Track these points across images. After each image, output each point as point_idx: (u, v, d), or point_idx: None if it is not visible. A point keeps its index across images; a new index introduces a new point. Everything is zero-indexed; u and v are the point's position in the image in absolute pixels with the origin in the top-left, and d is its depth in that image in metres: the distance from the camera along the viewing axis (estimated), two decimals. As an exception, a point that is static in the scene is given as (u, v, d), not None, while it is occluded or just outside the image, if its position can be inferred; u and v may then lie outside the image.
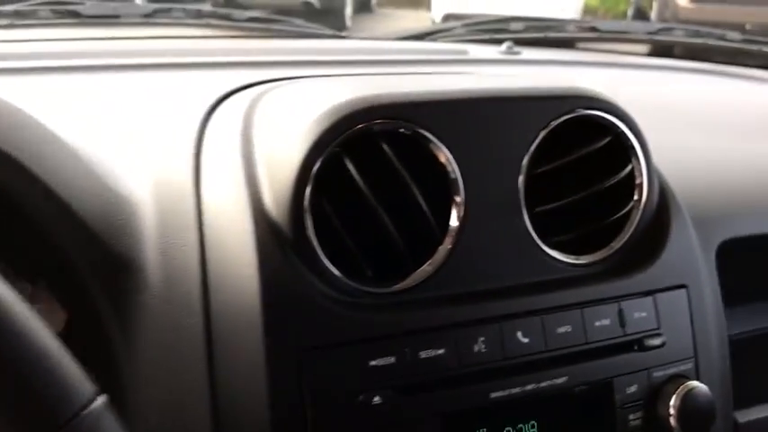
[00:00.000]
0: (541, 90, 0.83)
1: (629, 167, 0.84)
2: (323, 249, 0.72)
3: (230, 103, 0.90)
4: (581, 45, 2.00)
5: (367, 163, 0.73)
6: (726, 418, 0.94)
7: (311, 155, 0.71)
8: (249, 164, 0.76)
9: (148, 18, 1.68)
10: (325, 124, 0.72)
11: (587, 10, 9.96)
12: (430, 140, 0.75)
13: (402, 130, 0.74)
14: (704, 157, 1.15)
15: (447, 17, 9.27)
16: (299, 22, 1.83)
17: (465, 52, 1.68)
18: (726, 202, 1.06)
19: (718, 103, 1.50)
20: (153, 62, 1.19)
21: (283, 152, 0.73)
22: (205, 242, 0.75)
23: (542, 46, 1.87)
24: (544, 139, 0.81)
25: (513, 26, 1.87)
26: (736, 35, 1.85)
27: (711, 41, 1.84)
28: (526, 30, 1.86)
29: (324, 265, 0.72)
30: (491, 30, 1.87)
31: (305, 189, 0.71)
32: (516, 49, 1.71)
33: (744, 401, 1.00)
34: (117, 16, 1.64)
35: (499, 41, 1.74)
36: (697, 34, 1.87)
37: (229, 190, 0.75)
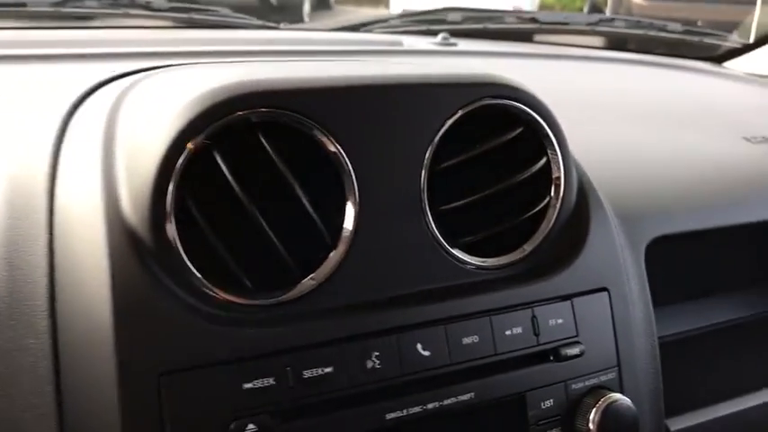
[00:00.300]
0: (446, 77, 0.75)
1: (544, 160, 0.77)
2: (192, 257, 0.63)
3: (99, 95, 0.80)
4: (538, 38, 1.95)
5: (243, 159, 0.65)
6: (657, 427, 0.88)
7: (174, 147, 0.62)
8: (108, 160, 0.66)
9: (59, 7, 1.56)
10: (192, 113, 0.63)
11: (544, 6, 9.99)
12: (316, 132, 0.66)
13: (283, 119, 0.65)
14: (634, 152, 1.09)
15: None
16: (225, 11, 1.73)
17: (399, 43, 1.61)
18: (655, 199, 1.00)
19: (655, 94, 1.45)
20: (26, 53, 1.08)
21: (145, 146, 0.64)
22: (55, 250, 0.65)
23: (481, 38, 1.81)
24: (449, 130, 0.73)
25: (451, 17, 1.81)
26: (677, 26, 1.81)
27: (652, 33, 1.80)
28: (464, 21, 1.80)
29: (190, 274, 0.63)
30: (428, 21, 1.80)
31: (167, 187, 0.62)
32: (453, 40, 1.64)
33: (676, 407, 0.95)
34: (23, 4, 1.52)
35: (436, 33, 1.67)
36: (638, 25, 1.83)
37: (85, 190, 0.66)
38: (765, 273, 1.24)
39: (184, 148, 0.62)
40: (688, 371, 1.07)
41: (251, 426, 0.61)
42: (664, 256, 0.94)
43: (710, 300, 1.20)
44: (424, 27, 1.78)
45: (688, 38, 1.80)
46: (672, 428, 0.93)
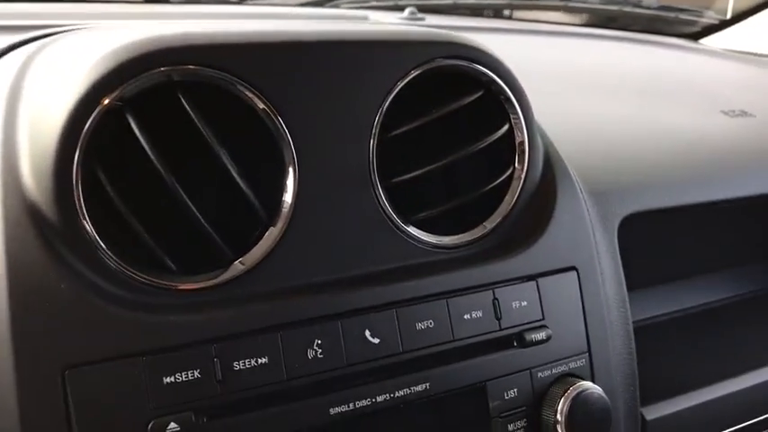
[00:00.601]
0: (397, 34, 0.68)
1: (506, 127, 0.70)
2: (105, 236, 0.56)
3: (2, 62, 0.71)
4: (510, 14, 1.88)
5: (162, 125, 0.57)
6: (632, 416, 0.82)
7: (81, 108, 0.54)
8: (9, 129, 0.58)
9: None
10: (102, 69, 0.55)
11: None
12: (242, 89, 0.59)
13: (207, 77, 0.58)
14: (605, 127, 1.03)
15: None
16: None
17: (365, 18, 1.54)
18: (628, 174, 0.93)
19: (630, 69, 1.38)
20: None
21: (50, 109, 0.56)
22: None
23: (451, 13, 1.73)
24: (401, 94, 0.66)
25: (420, -9, 1.73)
26: (652, 2, 1.75)
27: (627, 8, 1.74)
28: (433, -6, 1.72)
29: (100, 252, 0.55)
30: (396, -6, 1.72)
31: (72, 153, 0.54)
32: (420, 15, 1.57)
33: (651, 395, 0.89)
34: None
35: (403, 8, 1.60)
36: (613, 1, 1.76)
37: None
38: (743, 254, 1.19)
39: (93, 108, 0.54)
40: (663, 357, 1.01)
41: (172, 425, 0.54)
42: (637, 236, 0.88)
43: (686, 283, 1.15)
44: (391, 2, 1.71)
45: (663, 14, 1.75)
46: (648, 417, 0.87)
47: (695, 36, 1.72)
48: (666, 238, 1.04)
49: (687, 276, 1.15)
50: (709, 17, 1.76)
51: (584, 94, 1.17)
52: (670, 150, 1.01)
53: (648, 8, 1.72)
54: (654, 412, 0.88)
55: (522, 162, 0.70)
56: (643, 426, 0.85)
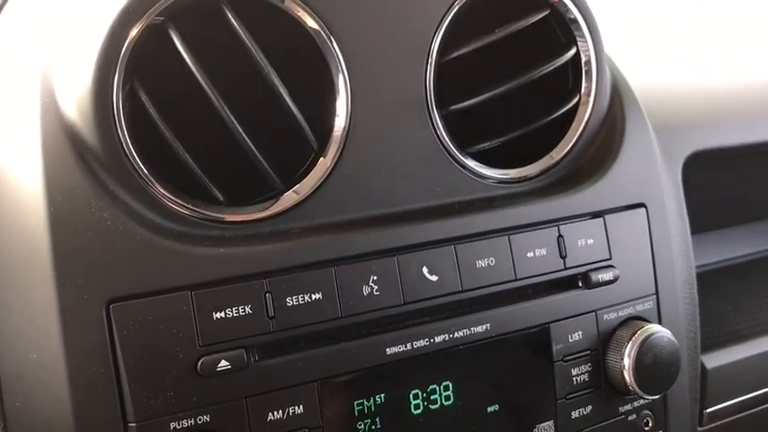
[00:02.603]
0: None
1: (573, 50, 0.64)
2: (150, 164, 0.52)
3: None
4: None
5: (207, 45, 0.52)
6: (692, 362, 0.77)
7: (120, 25, 0.50)
8: (45, 49, 0.54)
9: None
10: None
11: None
12: (291, 4, 0.54)
13: None
14: (672, 61, 0.96)
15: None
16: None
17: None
18: (694, 110, 0.87)
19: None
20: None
21: (86, 32, 0.52)
22: None
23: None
24: (460, 13, 0.60)
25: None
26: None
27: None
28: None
29: (145, 182, 0.51)
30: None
31: (112, 74, 0.50)
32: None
33: (710, 343, 0.85)
34: None
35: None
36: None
37: (16, 96, 0.54)
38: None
39: (134, 24, 0.50)
40: (720, 304, 0.97)
41: (223, 363, 0.51)
42: (699, 177, 0.83)
43: (748, 227, 1.09)
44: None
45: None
46: (708, 365, 0.83)
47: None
48: (727, 182, 0.98)
49: (746, 222, 1.10)
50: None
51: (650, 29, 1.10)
52: (738, 89, 0.94)
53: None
54: (713, 360, 0.84)
55: (589, 88, 0.65)
56: (703, 374, 0.81)
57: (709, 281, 1.01)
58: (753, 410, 0.85)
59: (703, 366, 0.81)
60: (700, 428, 0.81)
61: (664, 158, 0.77)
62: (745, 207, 1.09)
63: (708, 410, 0.82)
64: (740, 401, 0.85)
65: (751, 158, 0.97)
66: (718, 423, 0.82)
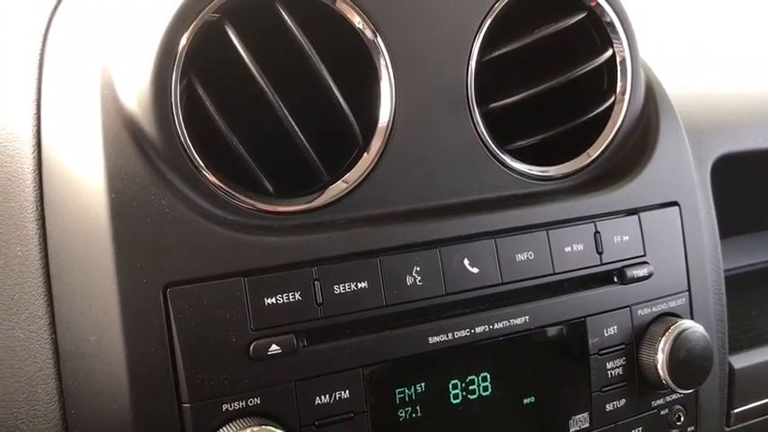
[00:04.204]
0: None
1: (609, 52, 0.66)
2: (204, 155, 0.54)
3: None
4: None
5: (260, 40, 0.55)
6: (721, 363, 0.78)
7: (178, 21, 0.52)
8: (101, 51, 0.56)
9: None
10: None
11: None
12: (341, 4, 0.56)
13: None
14: (703, 65, 0.97)
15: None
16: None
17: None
18: (723, 114, 0.89)
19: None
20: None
21: (146, 27, 0.54)
22: (42, 144, 0.56)
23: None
24: (500, 16, 0.62)
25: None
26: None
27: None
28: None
29: (200, 172, 0.53)
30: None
31: (170, 68, 0.52)
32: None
33: (736, 345, 0.85)
34: None
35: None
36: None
37: (77, 87, 0.56)
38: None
39: (192, 19, 0.52)
40: (747, 307, 0.97)
41: (274, 347, 0.52)
42: (726, 181, 0.84)
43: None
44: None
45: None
46: (735, 366, 0.84)
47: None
48: (754, 186, 0.99)
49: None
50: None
51: (681, 34, 1.12)
52: (765, 93, 0.95)
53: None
54: (741, 361, 0.85)
55: (624, 88, 0.67)
56: (730, 374, 0.82)
57: (734, 285, 1.02)
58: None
59: (731, 367, 0.82)
60: (727, 429, 0.82)
61: (693, 160, 0.79)
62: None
63: (735, 411, 0.83)
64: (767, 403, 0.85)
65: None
66: (746, 424, 0.83)
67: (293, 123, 0.54)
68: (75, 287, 0.53)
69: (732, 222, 1.01)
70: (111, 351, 0.51)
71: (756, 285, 1.07)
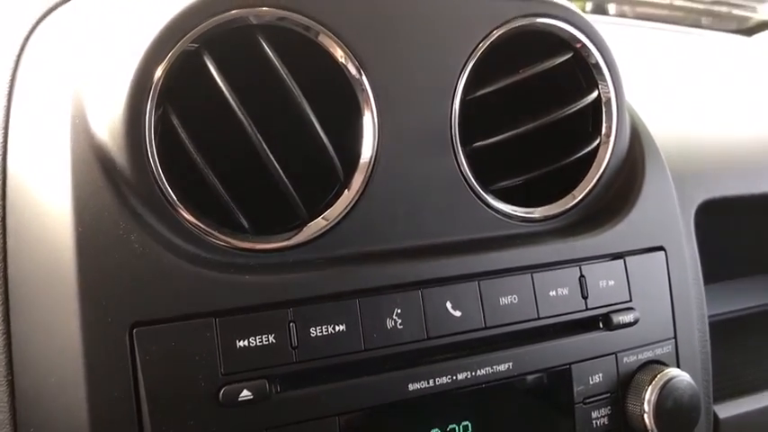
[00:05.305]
0: None
1: (595, 93, 0.65)
2: (177, 190, 0.52)
3: (64, 9, 0.67)
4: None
5: (239, 72, 0.53)
6: (706, 412, 0.76)
7: (155, 50, 0.50)
8: (74, 79, 0.54)
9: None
10: (177, 10, 0.51)
11: None
12: (324, 38, 0.55)
13: (287, 22, 0.54)
14: (681, 112, 0.98)
15: None
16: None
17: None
18: (706, 159, 0.89)
19: (703, 59, 1.33)
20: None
21: (121, 55, 0.52)
22: (7, 171, 0.53)
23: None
24: (486, 54, 0.61)
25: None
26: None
27: (678, 2, 1.68)
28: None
29: (173, 208, 0.51)
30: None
31: (146, 100, 0.50)
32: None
33: (719, 393, 0.84)
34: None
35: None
36: (663, -6, 1.71)
37: (47, 114, 0.54)
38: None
39: (169, 49, 0.50)
40: (730, 355, 0.96)
41: (245, 392, 0.50)
42: (709, 227, 0.83)
43: (756, 279, 1.09)
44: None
45: (716, 8, 1.69)
46: (721, 415, 0.82)
47: (748, 32, 1.66)
48: (739, 231, 0.99)
49: (753, 274, 1.10)
50: (764, 12, 1.69)
51: (657, 80, 1.13)
52: (747, 140, 0.96)
53: (701, 2, 1.66)
54: (726, 410, 0.83)
55: (609, 130, 0.66)
56: (715, 424, 0.80)
57: (717, 332, 1.01)
58: (765, 462, 0.84)
59: (716, 416, 0.80)
60: (712, 480, 0.79)
61: (678, 205, 0.78)
62: (754, 259, 1.10)
63: (721, 462, 0.81)
64: (752, 453, 0.84)
65: (762, 209, 0.98)
66: (732, 475, 0.81)
67: (271, 157, 0.53)
68: (36, 324, 0.50)
69: (714, 268, 1.01)
70: (71, 394, 0.47)
71: (739, 332, 1.06)
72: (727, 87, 1.22)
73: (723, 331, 1.02)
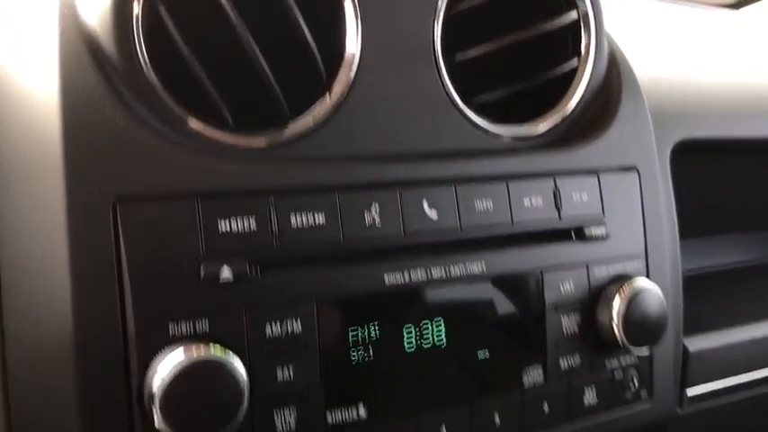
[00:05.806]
0: None
1: (575, 13, 0.67)
2: (163, 78, 0.53)
3: None
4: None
5: None
6: (675, 343, 0.79)
7: None
8: None
9: None
10: None
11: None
12: None
13: None
14: (663, 55, 1.00)
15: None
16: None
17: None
18: (685, 99, 0.91)
19: (691, 30, 1.36)
20: None
21: None
22: None
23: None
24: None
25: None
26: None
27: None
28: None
29: (158, 94, 0.53)
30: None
31: None
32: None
33: (692, 331, 0.86)
34: None
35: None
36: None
37: (35, 2, 0.55)
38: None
39: None
40: (701, 306, 0.98)
41: (226, 269, 0.51)
42: (685, 182, 0.85)
43: (732, 237, 1.11)
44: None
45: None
46: (690, 348, 0.84)
47: (736, 5, 1.68)
48: (714, 185, 1.01)
49: (734, 230, 1.12)
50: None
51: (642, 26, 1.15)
52: (728, 87, 0.98)
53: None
54: (696, 344, 0.85)
55: (588, 48, 0.68)
56: (684, 356, 0.82)
57: (690, 286, 1.03)
58: (733, 396, 0.86)
59: (685, 348, 0.82)
60: (679, 410, 0.82)
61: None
62: (731, 215, 1.12)
63: (689, 393, 0.83)
64: (721, 387, 0.86)
65: (738, 157, 1.01)
66: (698, 406, 0.83)
67: (257, 51, 0.54)
68: (24, 200, 0.51)
69: (690, 224, 1.03)
70: (55, 269, 0.49)
71: (714, 287, 1.08)
72: (714, 53, 1.24)
73: (697, 286, 1.04)
